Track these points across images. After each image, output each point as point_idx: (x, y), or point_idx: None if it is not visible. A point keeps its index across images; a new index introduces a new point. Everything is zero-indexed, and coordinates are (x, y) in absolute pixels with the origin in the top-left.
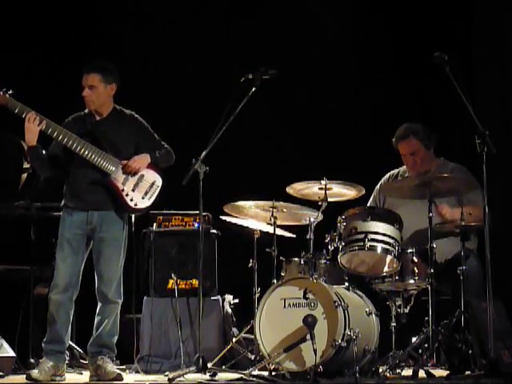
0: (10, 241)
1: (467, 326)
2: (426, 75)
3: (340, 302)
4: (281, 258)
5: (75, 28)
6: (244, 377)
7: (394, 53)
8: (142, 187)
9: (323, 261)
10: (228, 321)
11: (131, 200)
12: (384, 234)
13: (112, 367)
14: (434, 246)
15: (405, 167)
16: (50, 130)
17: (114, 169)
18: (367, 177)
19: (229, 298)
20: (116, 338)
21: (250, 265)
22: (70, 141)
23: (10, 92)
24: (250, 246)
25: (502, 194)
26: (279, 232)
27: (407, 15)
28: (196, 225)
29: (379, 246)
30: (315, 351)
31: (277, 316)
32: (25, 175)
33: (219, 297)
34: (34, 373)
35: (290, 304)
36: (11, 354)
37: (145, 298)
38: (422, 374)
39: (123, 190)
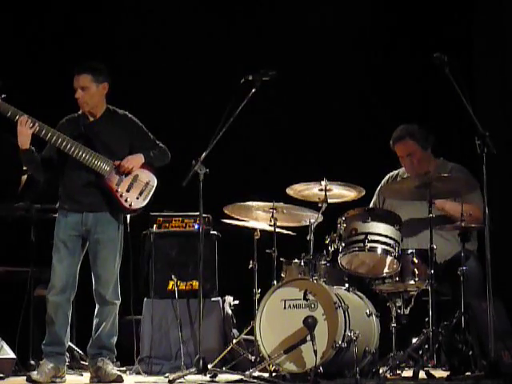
0: (10, 242)
1: (467, 327)
2: (426, 76)
3: (340, 303)
4: (281, 259)
5: (70, 29)
6: (244, 378)
7: (394, 54)
8: (136, 187)
9: (323, 262)
10: (228, 322)
11: (126, 200)
12: (384, 235)
13: (112, 369)
14: (435, 246)
15: (404, 168)
16: (42, 133)
17: (107, 170)
18: (367, 178)
19: (229, 299)
20: (115, 338)
21: (250, 266)
22: (64, 143)
23: (3, 96)
24: (250, 247)
25: (502, 194)
26: (279, 230)
27: (408, 16)
28: (196, 226)
29: (379, 247)
30: (315, 352)
31: (277, 317)
32: (25, 177)
33: (219, 298)
34: (34, 375)
35: (290, 305)
36: (11, 355)
37: (145, 299)
38: (422, 374)
39: (117, 191)
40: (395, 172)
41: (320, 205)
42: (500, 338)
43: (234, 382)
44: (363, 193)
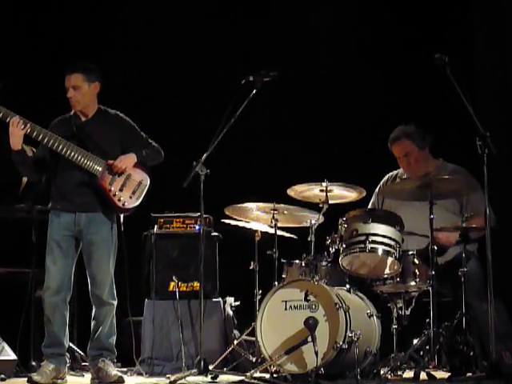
0: (11, 243)
1: (468, 328)
2: (427, 77)
3: (341, 304)
4: (282, 260)
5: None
6: (245, 379)
7: (395, 54)
8: (129, 187)
9: (324, 263)
10: (229, 323)
11: (119, 200)
12: (385, 236)
13: (113, 369)
14: (435, 247)
15: (402, 169)
16: (34, 134)
17: (100, 170)
18: (368, 179)
19: (230, 300)
20: (114, 338)
21: (251, 267)
22: (56, 143)
23: None
24: (251, 248)
25: (503, 195)
26: (280, 233)
27: (409, 16)
28: (197, 227)
29: (380, 248)
30: (316, 353)
31: (278, 318)
32: (26, 178)
33: (220, 299)
34: (35, 376)
35: (291, 306)
36: (12, 356)
37: (146, 300)
38: (423, 375)
39: (111, 191)
40: (394, 173)
41: (321, 206)
42: (501, 338)
43: (235, 382)
44: (364, 194)
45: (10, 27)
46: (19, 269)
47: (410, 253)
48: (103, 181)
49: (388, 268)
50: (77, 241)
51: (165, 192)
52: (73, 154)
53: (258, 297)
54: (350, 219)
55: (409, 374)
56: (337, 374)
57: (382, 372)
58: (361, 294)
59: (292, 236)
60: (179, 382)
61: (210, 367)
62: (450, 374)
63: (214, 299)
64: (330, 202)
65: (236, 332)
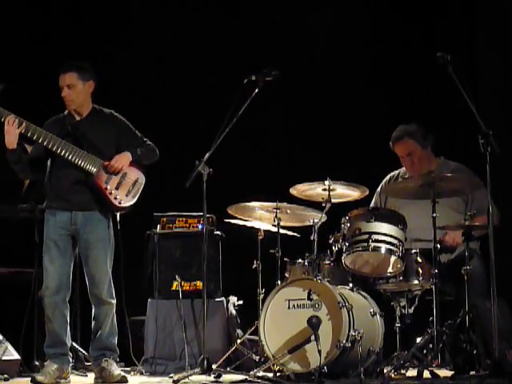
0: (14, 243)
1: (472, 326)
2: (429, 75)
3: (344, 303)
4: (285, 259)
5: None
6: (249, 378)
7: (397, 52)
8: (125, 185)
9: (327, 262)
10: (232, 322)
11: (115, 198)
12: (388, 235)
13: (117, 369)
14: (438, 246)
15: (404, 168)
16: (29, 133)
17: (96, 168)
18: (371, 177)
19: (233, 299)
20: (116, 337)
21: (254, 266)
22: (51, 142)
23: None
24: (253, 247)
25: (505, 193)
26: (283, 232)
27: (411, 15)
28: (200, 226)
29: (383, 247)
30: (320, 352)
31: (281, 317)
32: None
33: (223, 298)
34: (39, 376)
35: (294, 305)
36: (16, 356)
37: (149, 300)
38: (426, 374)
39: (107, 189)
40: (396, 172)
41: (323, 204)
42: (504, 337)
43: (238, 382)
44: (367, 192)
45: (3, 26)
46: (22, 269)
47: (413, 251)
48: (99, 179)
49: (391, 267)
50: (74, 240)
51: (167, 191)
52: (69, 153)
53: (261, 296)
54: (352, 218)
55: (412, 372)
56: (340, 372)
57: (385, 371)
58: (364, 293)
59: (295, 235)
60: (182, 381)
61: (213, 366)
62: (453, 372)
63: (216, 298)
64: (333, 200)
65: (239, 331)
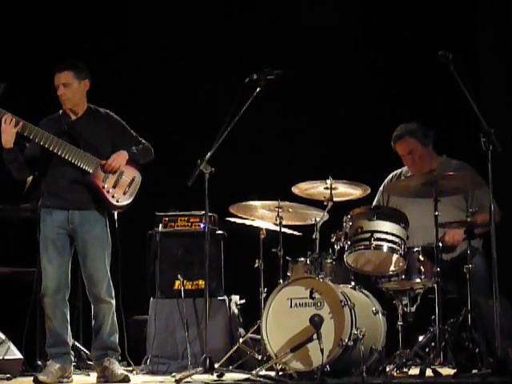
0: (16, 243)
1: (474, 325)
2: (431, 74)
3: (346, 302)
4: (287, 257)
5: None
6: (251, 377)
7: (399, 51)
8: (122, 184)
9: (329, 260)
10: (235, 321)
11: (113, 197)
12: (390, 233)
13: (119, 368)
14: (440, 244)
15: (406, 167)
16: (26, 132)
17: (93, 167)
18: (373, 176)
19: (235, 298)
20: (117, 336)
21: (256, 265)
22: (48, 142)
23: None
24: (255, 246)
25: (507, 192)
26: (285, 230)
27: (413, 13)
28: (202, 225)
29: (385, 245)
30: (322, 351)
31: (283, 316)
32: (30, 178)
33: (226, 297)
34: (41, 375)
35: (296, 304)
36: (18, 356)
37: (151, 299)
38: (429, 372)
39: (104, 188)
40: (398, 171)
41: (325, 203)
42: (506, 335)
43: (240, 381)
44: (369, 191)
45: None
46: (24, 268)
47: (415, 250)
48: (96, 178)
49: (393, 265)
50: (71, 239)
51: (169, 190)
52: (66, 152)
53: (263, 295)
54: (354, 216)
55: (414, 370)
56: (342, 371)
57: (387, 369)
58: (366, 292)
59: (297, 233)
60: (185, 380)
61: (216, 365)
62: (455, 370)
63: (219, 297)
64: (335, 199)
65: (241, 330)
